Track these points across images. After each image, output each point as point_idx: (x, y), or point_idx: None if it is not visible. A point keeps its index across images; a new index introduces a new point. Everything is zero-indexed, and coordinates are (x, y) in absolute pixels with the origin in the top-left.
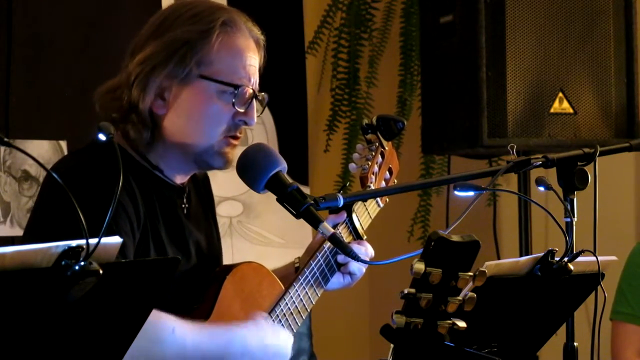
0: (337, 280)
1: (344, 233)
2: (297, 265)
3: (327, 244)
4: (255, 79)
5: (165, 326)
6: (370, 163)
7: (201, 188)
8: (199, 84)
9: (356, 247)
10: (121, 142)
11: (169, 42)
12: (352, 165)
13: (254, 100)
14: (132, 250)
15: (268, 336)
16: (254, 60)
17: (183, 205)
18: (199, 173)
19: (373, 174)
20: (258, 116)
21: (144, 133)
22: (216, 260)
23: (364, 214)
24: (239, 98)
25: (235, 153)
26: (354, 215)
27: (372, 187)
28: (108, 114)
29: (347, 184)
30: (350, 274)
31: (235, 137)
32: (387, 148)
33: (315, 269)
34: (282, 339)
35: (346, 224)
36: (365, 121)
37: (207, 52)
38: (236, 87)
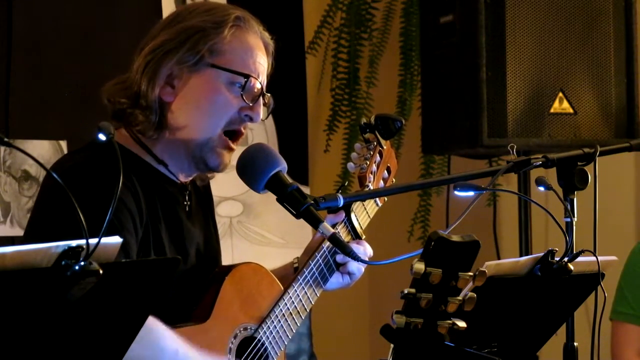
0: (336, 280)
1: (342, 233)
2: (295, 265)
3: (326, 244)
4: (263, 78)
5: (168, 346)
6: (368, 162)
7: (202, 195)
8: (209, 72)
9: (355, 247)
10: (124, 138)
11: (182, 29)
12: (350, 165)
13: (261, 97)
14: (135, 248)
15: None
16: (262, 60)
17: (185, 203)
18: (200, 183)
19: (371, 173)
20: (263, 120)
21: (151, 118)
22: (215, 261)
23: (363, 214)
24: (248, 91)
25: (233, 157)
26: (352, 215)
27: (371, 186)
28: (116, 101)
29: (346, 184)
30: (350, 273)
31: (236, 137)
32: (385, 147)
33: (314, 269)
34: None
35: (345, 223)
36: (364, 120)
37: (219, 41)
38: (247, 76)
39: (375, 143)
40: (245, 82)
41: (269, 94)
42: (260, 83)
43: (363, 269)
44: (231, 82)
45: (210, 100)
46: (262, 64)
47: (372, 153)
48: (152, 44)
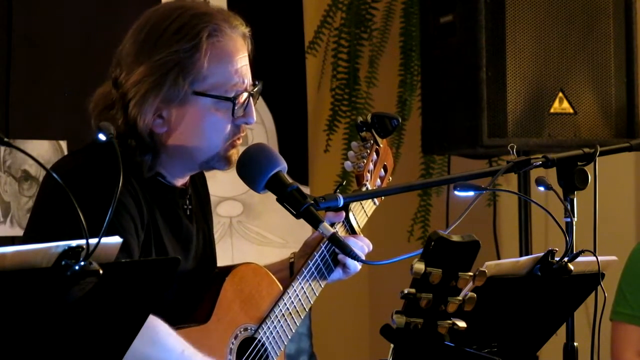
0: (334, 274)
1: (340, 231)
2: (291, 260)
3: (325, 243)
4: (248, 77)
5: (174, 346)
6: (365, 161)
7: (199, 187)
8: (195, 100)
9: (353, 242)
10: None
11: (159, 65)
12: (347, 163)
13: (251, 99)
14: (137, 250)
15: None
16: (244, 59)
17: (185, 207)
18: (197, 179)
19: (368, 171)
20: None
21: (145, 158)
22: (213, 261)
23: (360, 212)
24: (237, 106)
25: (237, 152)
26: (350, 214)
27: (368, 185)
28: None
29: (344, 182)
30: (346, 267)
31: (239, 138)
32: (381, 145)
33: (313, 269)
34: None
35: (343, 222)
36: (360, 119)
37: (198, 69)
38: (233, 99)
39: (372, 141)
40: (233, 103)
41: (257, 83)
42: (247, 87)
43: (359, 265)
44: (218, 102)
45: (203, 125)
46: (245, 64)
47: (369, 152)
48: (133, 79)
